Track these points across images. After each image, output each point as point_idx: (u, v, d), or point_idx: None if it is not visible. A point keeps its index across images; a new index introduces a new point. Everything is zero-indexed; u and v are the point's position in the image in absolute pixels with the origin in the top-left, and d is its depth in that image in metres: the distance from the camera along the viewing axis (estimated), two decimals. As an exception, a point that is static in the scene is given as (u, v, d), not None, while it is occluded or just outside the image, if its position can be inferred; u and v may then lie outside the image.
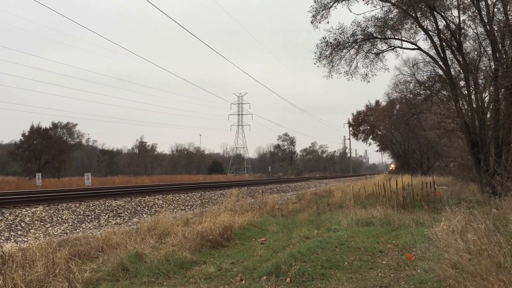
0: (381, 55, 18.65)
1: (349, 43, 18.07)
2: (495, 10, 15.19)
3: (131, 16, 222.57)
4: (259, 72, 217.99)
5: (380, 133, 67.49)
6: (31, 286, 5.54)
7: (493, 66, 15.08)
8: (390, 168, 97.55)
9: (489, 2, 15.08)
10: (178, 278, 6.22)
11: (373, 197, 14.97)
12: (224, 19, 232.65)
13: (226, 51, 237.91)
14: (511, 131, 14.71)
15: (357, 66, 18.76)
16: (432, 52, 17.81)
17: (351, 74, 18.90)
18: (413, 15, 16.63)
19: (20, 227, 11.74)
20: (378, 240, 8.39)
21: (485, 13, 14.98)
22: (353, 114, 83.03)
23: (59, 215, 13.50)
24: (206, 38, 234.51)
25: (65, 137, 62.83)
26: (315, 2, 17.73)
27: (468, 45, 18.06)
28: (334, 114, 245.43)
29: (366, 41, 18.19)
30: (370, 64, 18.71)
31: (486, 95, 17.16)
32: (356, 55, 18.52)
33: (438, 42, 16.57)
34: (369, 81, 19.20)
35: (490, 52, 15.98)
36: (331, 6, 17.61)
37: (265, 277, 5.85)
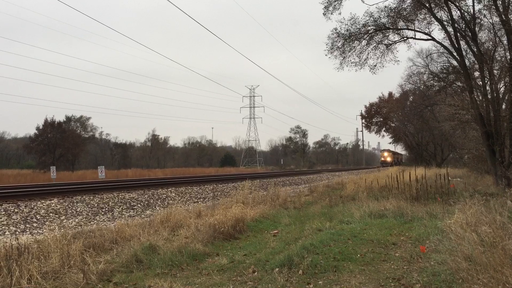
0: (392, 46, 18.43)
1: (361, 34, 17.86)
2: (511, -1, 14.93)
3: (144, 9, 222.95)
4: (278, 65, 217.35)
5: (393, 125, 66.88)
6: (47, 277, 5.62)
7: (509, 56, 14.85)
8: (382, 159, 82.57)
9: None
10: (191, 270, 6.27)
11: (386, 190, 14.88)
12: (242, 14, 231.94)
13: (242, 46, 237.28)
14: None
15: (367, 58, 18.55)
16: (446, 43, 17.54)
17: (360, 66, 18.70)
18: (427, 5, 16.40)
19: (35, 219, 11.91)
20: (391, 232, 8.36)
21: (500, 2, 14.71)
22: (365, 106, 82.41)
23: (74, 208, 13.68)
24: (222, 33, 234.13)
25: (78, 131, 63.41)
26: None
27: (483, 35, 17.78)
28: (346, 106, 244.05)
29: (378, 32, 17.96)
30: (381, 55, 18.50)
31: (501, 86, 16.93)
32: (367, 47, 18.31)
33: (453, 33, 16.32)
34: (375, 73, 18.98)
35: (505, 42, 15.72)
36: (343, -4, 17.38)
37: (277, 269, 5.86)
